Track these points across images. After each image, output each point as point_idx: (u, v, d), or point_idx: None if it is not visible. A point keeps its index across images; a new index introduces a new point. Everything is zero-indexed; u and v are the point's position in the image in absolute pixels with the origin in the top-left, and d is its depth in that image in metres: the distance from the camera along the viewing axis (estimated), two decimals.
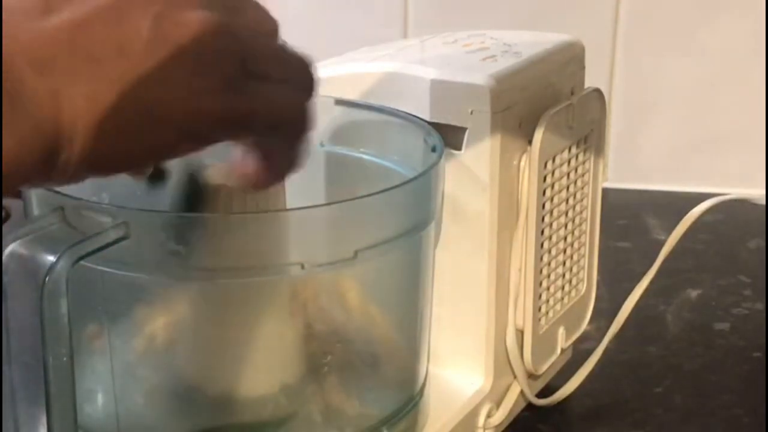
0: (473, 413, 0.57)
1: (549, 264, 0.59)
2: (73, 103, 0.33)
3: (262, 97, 0.38)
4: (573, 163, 0.59)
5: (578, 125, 0.59)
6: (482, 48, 0.58)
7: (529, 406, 0.62)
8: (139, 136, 0.35)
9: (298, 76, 0.40)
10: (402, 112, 0.54)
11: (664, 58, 0.98)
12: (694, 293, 0.80)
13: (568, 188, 0.59)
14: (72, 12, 0.34)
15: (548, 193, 0.57)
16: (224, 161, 0.51)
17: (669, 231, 0.63)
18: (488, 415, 0.58)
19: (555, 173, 0.58)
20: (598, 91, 0.61)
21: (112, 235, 0.41)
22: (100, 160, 0.34)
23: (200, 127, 0.36)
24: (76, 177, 0.35)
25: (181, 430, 0.48)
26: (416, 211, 0.48)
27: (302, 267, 0.43)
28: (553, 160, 0.57)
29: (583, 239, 0.63)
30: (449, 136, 0.53)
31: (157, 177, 0.46)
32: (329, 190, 0.56)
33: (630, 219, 0.94)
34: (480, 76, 0.53)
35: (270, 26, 0.40)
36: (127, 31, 0.34)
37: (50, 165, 0.33)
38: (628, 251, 0.87)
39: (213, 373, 0.47)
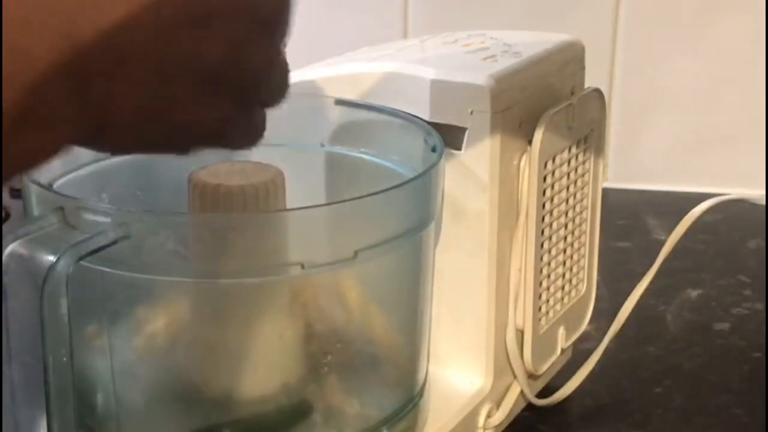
0: (473, 413, 0.57)
1: (549, 264, 0.59)
2: (120, 110, 0.34)
3: (257, 120, 0.39)
4: (573, 163, 0.59)
5: (578, 125, 0.59)
6: (482, 48, 0.58)
7: (529, 406, 0.62)
8: (144, 137, 0.36)
9: (278, 97, 0.40)
10: (402, 112, 0.54)
11: (664, 58, 0.98)
12: (694, 293, 0.80)
13: (568, 188, 0.59)
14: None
15: (548, 193, 0.57)
16: (224, 161, 0.52)
17: (669, 231, 0.63)
18: (488, 415, 0.58)
19: (555, 173, 0.58)
20: (598, 91, 0.61)
21: (112, 235, 0.41)
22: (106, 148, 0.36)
23: (200, 138, 0.37)
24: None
25: (181, 430, 0.48)
26: (416, 211, 0.48)
27: (302, 267, 0.43)
28: (553, 160, 0.57)
29: (583, 239, 0.63)
30: (449, 136, 0.53)
31: None
32: (329, 190, 0.56)
33: (630, 219, 0.94)
34: (480, 76, 0.53)
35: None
36: (205, 43, 0.35)
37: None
38: (628, 251, 0.87)
39: (213, 373, 0.47)
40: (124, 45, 0.33)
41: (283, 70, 0.39)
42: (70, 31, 0.31)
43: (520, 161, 0.55)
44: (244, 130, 0.39)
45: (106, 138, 0.35)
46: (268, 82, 0.38)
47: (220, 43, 0.35)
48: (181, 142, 0.37)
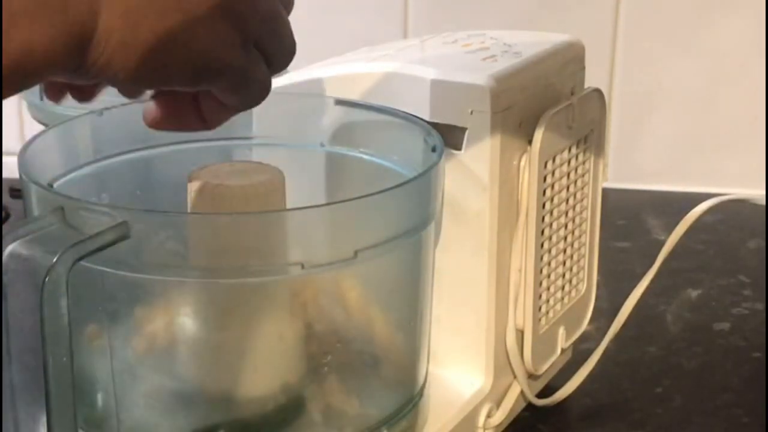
0: (473, 413, 0.57)
1: (549, 264, 0.59)
2: (111, 18, 0.35)
3: (256, 65, 0.40)
4: (573, 163, 0.59)
5: (578, 125, 0.59)
6: (482, 48, 0.58)
7: (529, 406, 0.62)
8: (160, 64, 0.37)
9: (284, 58, 0.42)
10: (402, 112, 0.54)
11: (664, 58, 0.98)
12: (694, 293, 0.80)
13: (568, 188, 0.59)
14: None
15: (548, 193, 0.57)
16: (224, 162, 0.52)
17: (669, 231, 0.63)
18: (488, 415, 0.58)
19: (555, 173, 0.58)
20: (598, 91, 0.61)
21: (112, 235, 0.41)
22: (122, 72, 0.36)
23: (210, 70, 0.39)
24: (96, 78, 0.37)
25: (181, 430, 0.48)
26: (416, 211, 0.48)
27: (302, 267, 0.43)
28: (553, 160, 0.57)
29: (583, 239, 0.63)
30: (449, 136, 0.53)
31: None
32: (329, 190, 0.56)
33: (630, 219, 0.94)
34: (480, 76, 0.53)
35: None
36: None
37: (78, 60, 0.35)
38: (628, 251, 0.87)
39: (213, 373, 0.47)
40: None
41: (288, 30, 0.42)
42: None
43: (520, 161, 0.55)
44: (252, 75, 0.40)
45: (124, 57, 0.36)
46: (274, 32, 0.41)
47: None
48: (193, 71, 0.38)
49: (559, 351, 0.62)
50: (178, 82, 0.39)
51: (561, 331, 0.62)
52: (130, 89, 0.41)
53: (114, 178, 0.53)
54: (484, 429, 0.58)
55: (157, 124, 0.43)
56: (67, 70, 0.36)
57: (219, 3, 0.38)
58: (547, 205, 0.58)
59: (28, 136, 0.50)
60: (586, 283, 0.64)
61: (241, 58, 0.39)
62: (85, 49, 0.35)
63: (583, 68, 0.61)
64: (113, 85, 0.39)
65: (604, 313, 0.69)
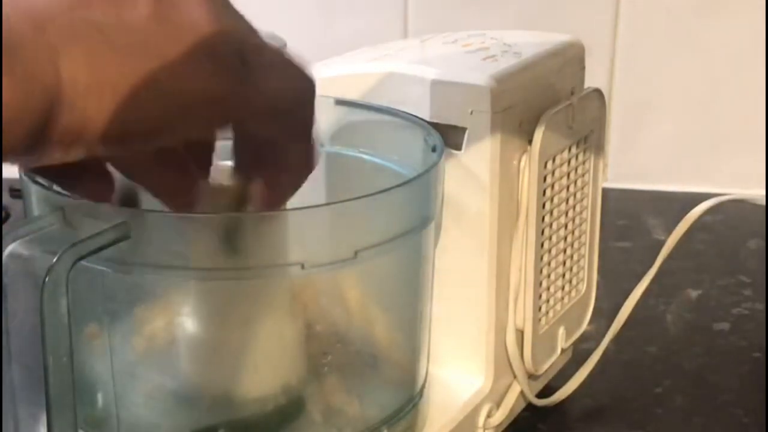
0: (473, 413, 0.57)
1: (549, 264, 0.59)
2: (73, 64, 0.32)
3: (260, 82, 0.37)
4: (573, 163, 0.59)
5: (578, 125, 0.59)
6: (482, 48, 0.58)
7: (529, 406, 0.62)
8: (137, 107, 0.34)
9: (294, 73, 0.39)
10: (402, 112, 0.54)
11: (664, 58, 0.98)
12: (694, 293, 0.80)
13: (568, 188, 0.59)
14: None
15: (548, 193, 0.57)
16: (224, 162, 0.51)
17: (669, 231, 0.63)
18: (488, 415, 0.58)
19: (555, 173, 0.58)
20: (598, 91, 0.61)
21: (112, 235, 0.40)
22: (94, 129, 0.33)
23: (198, 104, 0.36)
24: (66, 147, 0.34)
25: (181, 430, 0.48)
26: (416, 211, 0.48)
27: (302, 267, 0.43)
28: (553, 160, 0.57)
29: (583, 239, 0.63)
30: (449, 136, 0.53)
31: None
32: (329, 190, 0.56)
33: (630, 219, 0.94)
34: (480, 76, 0.53)
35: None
36: (126, 5, 0.34)
37: (46, 127, 0.32)
38: (628, 251, 0.87)
39: (213, 373, 0.47)
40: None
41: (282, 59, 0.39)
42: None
43: (520, 161, 0.55)
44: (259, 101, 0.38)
45: (96, 105, 0.33)
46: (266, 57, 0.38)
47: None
48: (181, 109, 0.35)
49: (559, 351, 0.62)
50: (167, 125, 0.35)
51: (561, 331, 0.62)
52: (122, 149, 0.36)
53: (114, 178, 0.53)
54: (484, 429, 0.58)
55: (279, 197, 0.42)
56: (32, 139, 0.32)
57: (191, 37, 0.35)
58: (547, 205, 0.58)
59: None
60: (586, 283, 0.64)
61: (226, 81, 0.36)
62: (50, 108, 0.32)
63: (583, 68, 0.61)
64: (94, 151, 0.34)
65: (604, 313, 0.69)
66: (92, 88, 0.33)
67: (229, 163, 0.51)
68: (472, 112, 0.53)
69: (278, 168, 0.42)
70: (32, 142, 0.33)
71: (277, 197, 0.43)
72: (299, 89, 0.39)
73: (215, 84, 0.36)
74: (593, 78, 0.62)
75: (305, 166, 0.42)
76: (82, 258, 0.39)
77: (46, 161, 0.34)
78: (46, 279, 0.38)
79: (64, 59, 0.32)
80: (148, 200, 0.45)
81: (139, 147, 0.36)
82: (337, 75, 0.57)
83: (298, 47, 0.42)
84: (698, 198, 0.64)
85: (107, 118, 0.33)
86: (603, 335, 0.63)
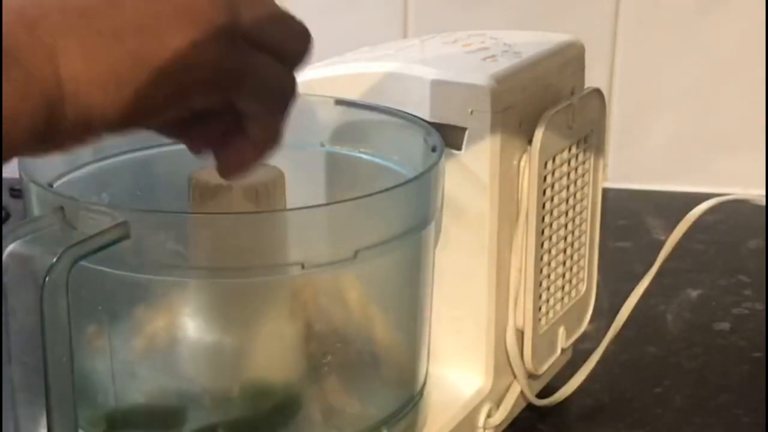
0: (473, 413, 0.57)
1: (549, 264, 0.59)
2: (70, 59, 0.33)
3: (255, 59, 0.38)
4: (573, 163, 0.59)
5: (578, 125, 0.59)
6: (482, 48, 0.58)
7: (529, 406, 0.62)
8: (138, 88, 0.34)
9: (293, 45, 0.40)
10: (402, 112, 0.54)
11: (664, 58, 0.98)
12: (694, 293, 0.80)
13: (568, 188, 0.59)
14: None
15: (548, 193, 0.57)
16: None
17: (669, 231, 0.63)
18: (488, 415, 0.58)
19: (555, 173, 0.58)
20: (598, 91, 0.61)
21: (112, 235, 0.41)
22: (102, 117, 0.34)
23: (196, 79, 0.36)
24: (78, 138, 0.34)
25: (181, 430, 0.48)
26: (416, 211, 0.48)
27: (302, 267, 0.43)
28: (553, 160, 0.57)
29: (583, 239, 0.63)
30: (449, 136, 0.53)
31: None
32: (329, 190, 0.56)
33: (630, 219, 0.94)
34: (480, 76, 0.53)
35: None
36: None
37: (53, 125, 0.33)
38: (628, 251, 0.87)
39: (213, 373, 0.47)
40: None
41: (288, 17, 0.39)
42: None
43: (520, 161, 0.55)
44: (257, 74, 0.38)
45: (101, 95, 0.34)
46: (266, 21, 0.38)
47: None
48: (177, 85, 0.36)
49: (559, 351, 0.62)
50: (171, 102, 0.36)
51: (561, 331, 0.62)
52: (136, 128, 0.37)
53: (114, 178, 0.53)
54: (484, 429, 0.58)
55: (227, 173, 0.42)
56: (35, 138, 0.33)
57: (181, 8, 0.35)
58: (547, 205, 0.58)
59: None
60: (586, 283, 0.64)
61: (228, 58, 0.37)
62: (56, 102, 0.33)
63: (583, 68, 0.61)
64: (108, 133, 0.35)
65: (604, 313, 0.69)
66: (94, 81, 0.33)
67: None
68: (472, 112, 0.53)
69: (246, 140, 0.41)
70: (36, 141, 0.33)
71: (235, 168, 0.42)
72: (289, 71, 0.40)
73: (209, 55, 0.36)
74: (593, 78, 0.62)
75: (273, 141, 0.42)
76: (82, 258, 0.39)
77: (61, 151, 0.35)
78: (46, 279, 0.38)
79: (61, 57, 0.33)
80: (147, 201, 0.45)
81: (151, 123, 0.37)
82: (337, 75, 0.57)
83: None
84: (698, 198, 0.64)
85: (114, 105, 0.34)
86: (603, 335, 0.63)
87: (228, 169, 0.42)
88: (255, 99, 0.39)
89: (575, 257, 0.62)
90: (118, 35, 0.34)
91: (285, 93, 0.40)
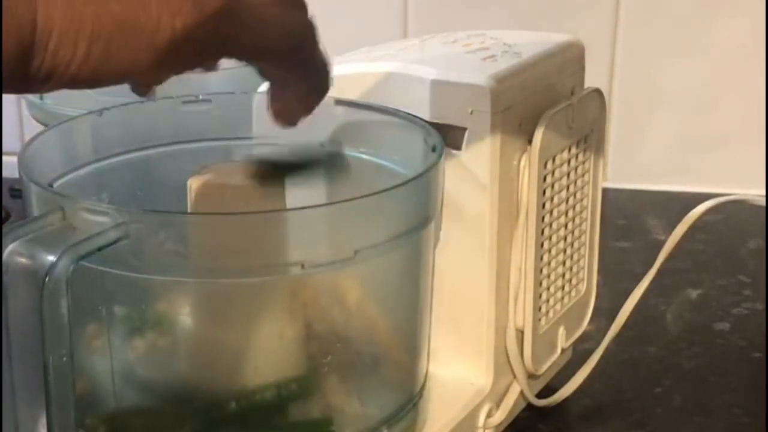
0: (473, 413, 0.57)
1: (549, 264, 0.59)
2: (52, 8, 0.33)
3: (246, 14, 0.38)
4: (573, 163, 0.59)
5: (578, 125, 0.59)
6: (482, 48, 0.58)
7: (529, 406, 0.62)
8: (112, 53, 0.34)
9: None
10: (402, 112, 0.54)
11: (664, 58, 0.98)
12: (694, 293, 0.80)
13: (568, 188, 0.59)
14: None
15: (548, 193, 0.57)
16: (224, 162, 0.52)
17: (669, 231, 0.63)
18: (488, 415, 0.58)
19: (555, 173, 0.58)
20: (598, 91, 0.61)
21: (112, 235, 0.41)
22: (66, 72, 0.34)
23: (184, 50, 0.36)
24: (50, 83, 0.34)
25: (181, 430, 0.48)
26: (416, 211, 0.48)
27: (302, 267, 0.43)
28: (553, 160, 0.57)
29: (583, 239, 0.63)
30: (449, 136, 0.53)
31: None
32: (329, 190, 0.56)
33: (630, 219, 0.94)
34: (480, 76, 0.53)
35: None
36: None
37: (26, 65, 0.33)
38: (628, 251, 0.87)
39: (213, 373, 0.47)
40: None
41: None
42: None
43: (520, 161, 0.55)
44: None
45: (72, 45, 0.34)
46: None
47: None
48: (168, 42, 0.36)
49: (559, 351, 0.62)
50: (153, 66, 0.36)
51: (561, 331, 0.62)
52: (96, 86, 0.37)
53: (114, 178, 0.53)
54: (484, 429, 0.58)
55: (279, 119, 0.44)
56: (16, 71, 0.33)
57: None
58: (547, 205, 0.58)
59: (28, 136, 0.50)
60: (586, 283, 0.64)
61: (198, 11, 0.36)
62: (27, 47, 0.33)
63: (583, 68, 0.61)
64: (80, 86, 0.35)
65: (604, 313, 0.69)
66: (67, 36, 0.33)
67: (230, 163, 0.51)
68: (472, 112, 0.53)
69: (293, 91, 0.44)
70: (10, 77, 0.33)
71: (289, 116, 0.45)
72: (292, 17, 0.42)
73: (191, 18, 0.36)
74: (593, 78, 0.62)
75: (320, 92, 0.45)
76: (82, 258, 0.39)
77: (31, 90, 0.35)
78: (46, 279, 0.38)
79: (41, 4, 0.33)
80: (147, 201, 0.45)
81: (113, 84, 0.37)
82: (337, 75, 0.57)
83: None
84: (698, 198, 0.64)
85: (79, 64, 0.34)
86: (603, 335, 0.63)
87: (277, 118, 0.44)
88: (257, 48, 0.40)
89: (575, 257, 0.62)
90: None
91: (291, 37, 0.43)
